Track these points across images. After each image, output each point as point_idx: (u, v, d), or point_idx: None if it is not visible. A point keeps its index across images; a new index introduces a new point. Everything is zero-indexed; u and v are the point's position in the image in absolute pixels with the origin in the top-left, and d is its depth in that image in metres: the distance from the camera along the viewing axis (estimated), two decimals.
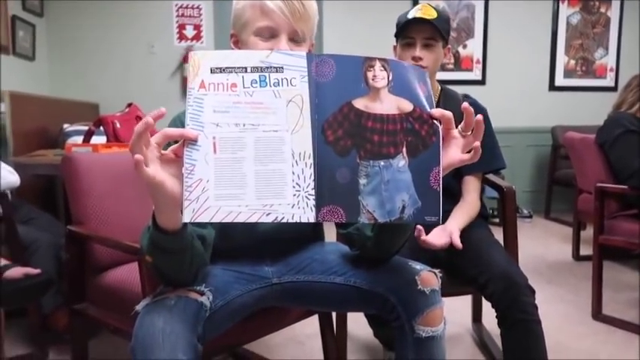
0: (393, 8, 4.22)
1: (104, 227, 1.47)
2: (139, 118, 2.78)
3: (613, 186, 2.09)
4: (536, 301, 1.35)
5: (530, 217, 4.27)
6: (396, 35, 1.53)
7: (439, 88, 1.63)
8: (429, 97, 0.81)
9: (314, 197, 0.74)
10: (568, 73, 4.59)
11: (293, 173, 0.73)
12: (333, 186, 0.75)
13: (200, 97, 0.74)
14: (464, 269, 1.39)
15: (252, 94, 0.74)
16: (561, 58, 4.56)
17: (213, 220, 0.72)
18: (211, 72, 0.74)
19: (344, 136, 0.77)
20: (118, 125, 2.57)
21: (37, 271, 1.40)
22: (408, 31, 1.48)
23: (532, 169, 4.55)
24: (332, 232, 1.32)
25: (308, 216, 0.73)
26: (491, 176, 1.72)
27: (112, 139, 2.51)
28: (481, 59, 4.43)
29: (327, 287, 1.10)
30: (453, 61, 4.40)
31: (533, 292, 1.36)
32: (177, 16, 4.04)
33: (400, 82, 0.79)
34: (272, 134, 0.74)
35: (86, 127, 2.65)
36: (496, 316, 1.34)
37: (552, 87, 4.58)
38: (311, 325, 1.52)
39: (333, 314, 1.52)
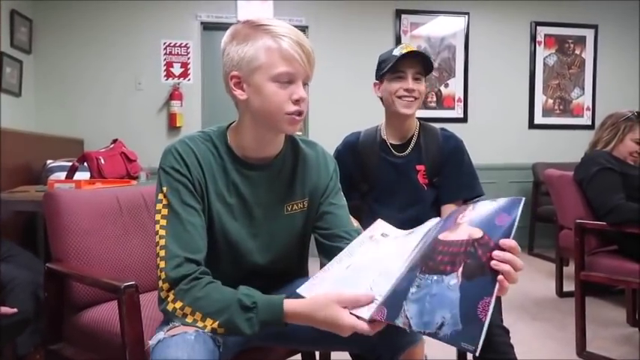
0: (375, 35, 4.38)
1: (84, 265, 1.44)
2: (123, 155, 2.79)
3: (592, 222, 2.12)
4: (511, 340, 1.36)
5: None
6: (385, 71, 1.61)
7: (417, 123, 1.73)
8: (507, 228, 0.81)
9: (376, 302, 0.85)
10: (546, 112, 4.73)
11: (373, 281, 0.89)
12: (391, 292, 0.85)
13: (362, 241, 1.04)
14: None
15: (389, 244, 1.00)
16: (540, 98, 4.71)
17: None
18: (381, 235, 1.03)
19: (418, 258, 0.87)
20: (102, 161, 2.57)
21: (13, 310, 1.37)
22: (400, 65, 1.59)
23: None
24: (316, 267, 1.32)
25: (362, 312, 0.85)
26: None
27: (96, 175, 2.50)
28: (462, 98, 4.55)
29: (310, 326, 1.09)
30: (435, 99, 4.51)
31: (507, 331, 1.37)
32: (165, 53, 4.10)
33: (480, 215, 0.85)
34: (379, 262, 0.94)
35: (70, 163, 2.63)
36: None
37: (532, 125, 4.70)
38: None
39: (317, 354, 1.50)
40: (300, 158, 1.17)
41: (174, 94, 4.03)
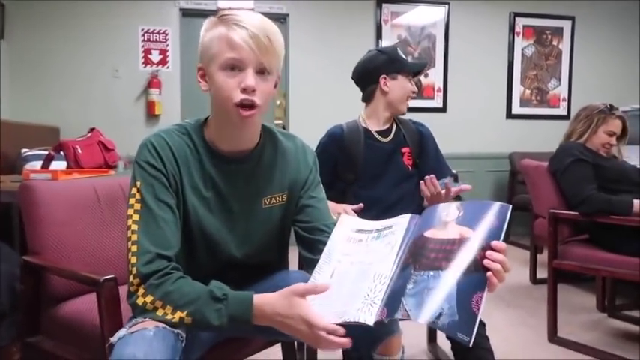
0: (356, 24, 4.38)
1: (62, 257, 1.43)
2: (101, 144, 2.75)
3: (565, 212, 2.18)
4: (486, 327, 1.41)
5: None
6: (401, 69, 1.82)
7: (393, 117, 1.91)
8: (497, 231, 0.85)
9: (377, 306, 0.87)
10: (524, 102, 4.81)
11: (368, 288, 0.90)
12: (389, 293, 0.87)
13: (336, 247, 1.02)
14: None
15: (368, 245, 1.00)
16: (517, 88, 4.78)
17: None
18: (356, 231, 1.03)
19: (409, 257, 0.91)
20: (79, 151, 2.53)
21: None
22: (419, 72, 1.91)
23: (492, 193, 4.69)
24: (295, 256, 1.33)
25: (366, 318, 0.86)
26: None
27: (73, 165, 2.46)
28: (442, 88, 4.59)
29: None
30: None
31: (483, 324, 1.42)
32: (143, 40, 4.04)
33: (469, 216, 0.90)
34: (368, 266, 0.94)
35: (46, 152, 2.59)
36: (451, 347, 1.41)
37: (509, 115, 4.78)
38: (274, 354, 1.52)
39: (296, 343, 1.52)
40: (278, 151, 1.17)
41: (153, 82, 3.98)
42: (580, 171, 2.14)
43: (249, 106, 1.00)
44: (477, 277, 0.82)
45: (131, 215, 0.99)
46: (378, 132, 1.85)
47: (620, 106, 2.99)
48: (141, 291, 0.94)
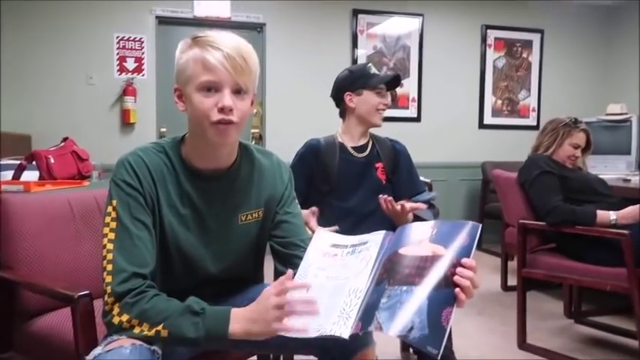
0: (332, 34, 4.43)
1: (35, 272, 1.42)
2: (74, 153, 2.71)
3: (534, 222, 2.26)
4: (457, 335, 1.46)
5: None
6: (366, 86, 1.85)
7: (369, 133, 1.96)
8: (467, 248, 0.91)
9: (352, 319, 0.89)
10: (495, 113, 4.93)
11: (344, 302, 0.93)
12: (364, 307, 0.90)
13: (312, 262, 1.03)
14: None
15: (343, 259, 1.02)
16: (489, 99, 4.90)
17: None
18: (331, 246, 1.05)
19: (383, 272, 0.93)
20: (52, 160, 2.49)
21: None
22: (389, 85, 1.89)
23: (465, 202, 4.79)
24: (271, 270, 1.35)
25: (342, 332, 0.88)
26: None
27: (46, 176, 2.42)
28: (416, 97, 4.67)
29: None
30: (390, 99, 4.60)
31: (450, 338, 1.47)
32: (118, 48, 4.00)
33: (441, 234, 0.95)
34: (344, 280, 0.97)
35: (17, 162, 2.54)
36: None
37: (482, 125, 4.89)
38: None
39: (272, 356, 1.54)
40: (255, 168, 1.19)
41: (128, 90, 3.94)
42: (547, 182, 2.22)
43: (227, 123, 1.02)
44: (447, 293, 0.86)
45: (107, 234, 1.00)
46: (353, 147, 1.91)
47: (586, 116, 3.11)
48: (116, 310, 0.94)
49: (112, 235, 1.00)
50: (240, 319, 0.94)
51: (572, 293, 2.72)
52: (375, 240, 1.03)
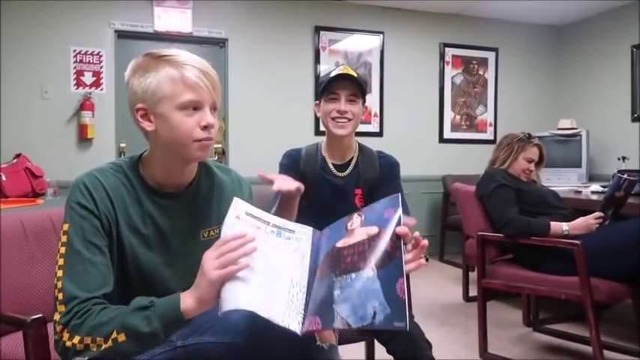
0: (295, 50, 4.47)
1: None
2: (28, 170, 2.63)
3: (492, 234, 2.32)
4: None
5: (427, 260, 4.53)
6: (321, 92, 1.67)
7: (357, 145, 1.79)
8: (396, 219, 0.93)
9: (302, 315, 0.90)
10: (454, 127, 5.07)
11: (289, 293, 0.93)
12: (314, 302, 0.90)
13: (233, 223, 0.97)
14: None
15: (269, 238, 0.99)
16: (448, 114, 5.04)
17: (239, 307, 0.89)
18: (246, 214, 1.00)
19: (326, 268, 0.95)
20: (3, 178, 2.41)
21: None
22: (333, 87, 1.64)
23: (427, 214, 4.88)
24: None
25: (295, 328, 0.89)
26: None
27: None
28: (379, 113, 4.76)
29: (231, 347, 1.11)
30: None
31: (430, 346, 1.48)
32: (75, 61, 3.91)
33: (370, 217, 0.99)
34: (279, 264, 0.96)
35: None
36: None
37: (441, 139, 5.02)
38: None
39: None
40: (215, 184, 1.19)
41: (85, 105, 3.84)
42: (503, 195, 2.30)
43: (209, 140, 1.05)
44: (394, 265, 0.88)
45: (57, 260, 0.98)
46: (334, 164, 1.74)
47: (539, 131, 3.24)
48: (65, 335, 0.91)
49: (61, 261, 0.97)
50: (188, 294, 0.94)
51: (530, 302, 2.80)
52: (304, 233, 1.04)
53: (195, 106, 1.03)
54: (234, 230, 0.96)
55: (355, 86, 1.64)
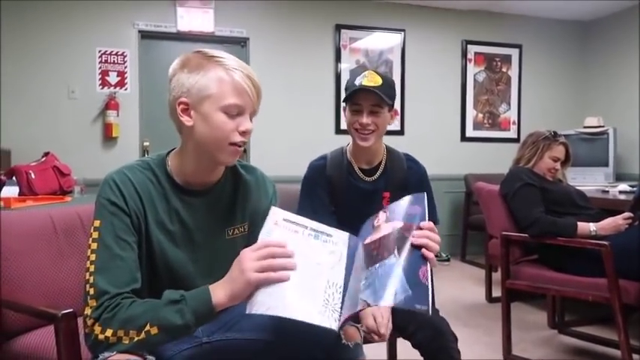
0: (316, 48, 4.48)
1: (17, 290, 1.38)
2: (56, 168, 2.69)
3: (516, 234, 2.29)
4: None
5: (448, 260, 4.51)
6: (345, 100, 1.61)
7: (384, 149, 1.74)
8: (421, 214, 1.00)
9: (338, 313, 0.92)
10: (477, 126, 5.01)
11: (325, 292, 0.95)
12: (349, 299, 0.93)
13: (271, 229, 0.99)
14: (392, 319, 1.45)
15: (307, 240, 1.01)
16: (470, 112, 4.98)
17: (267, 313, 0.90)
18: (284, 220, 1.02)
19: (359, 267, 0.98)
20: (32, 176, 2.46)
21: None
22: (355, 98, 1.56)
23: (449, 214, 4.83)
24: None
25: (331, 324, 0.91)
26: None
27: (26, 191, 2.39)
28: (399, 111, 4.73)
29: (256, 344, 1.12)
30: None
31: (457, 338, 1.46)
32: (101, 62, 3.98)
33: (395, 213, 1.04)
34: (316, 266, 0.98)
35: None
36: None
37: (463, 138, 4.97)
38: None
39: None
40: (240, 183, 1.20)
41: (110, 104, 3.91)
42: (528, 195, 2.26)
43: (242, 145, 1.09)
44: (417, 255, 0.92)
45: (89, 256, 0.99)
46: (361, 169, 1.69)
47: (564, 129, 3.18)
48: (97, 329, 0.93)
49: (92, 257, 0.99)
50: (221, 287, 0.96)
51: (555, 304, 2.75)
52: (341, 237, 1.05)
53: (239, 111, 1.06)
54: (272, 235, 0.98)
55: (378, 97, 1.55)
